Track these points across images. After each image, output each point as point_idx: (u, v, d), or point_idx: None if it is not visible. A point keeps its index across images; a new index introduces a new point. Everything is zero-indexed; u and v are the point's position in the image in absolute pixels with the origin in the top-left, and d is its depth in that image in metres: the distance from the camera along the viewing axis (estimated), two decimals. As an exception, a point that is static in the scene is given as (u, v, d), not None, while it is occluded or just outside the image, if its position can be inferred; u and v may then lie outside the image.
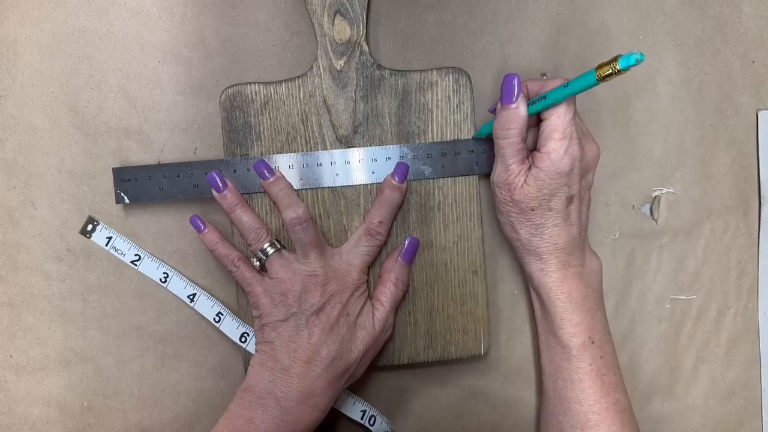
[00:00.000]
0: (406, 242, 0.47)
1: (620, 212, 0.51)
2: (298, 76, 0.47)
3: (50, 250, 0.49)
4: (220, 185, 0.46)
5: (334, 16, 0.46)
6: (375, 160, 0.47)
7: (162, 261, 0.49)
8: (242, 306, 0.48)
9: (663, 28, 0.50)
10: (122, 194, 0.47)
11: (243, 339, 0.48)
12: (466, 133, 0.48)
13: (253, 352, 0.47)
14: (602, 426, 0.43)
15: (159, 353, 0.50)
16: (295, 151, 0.47)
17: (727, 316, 0.52)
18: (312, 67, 0.47)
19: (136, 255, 0.49)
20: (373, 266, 0.48)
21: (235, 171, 0.46)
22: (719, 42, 0.51)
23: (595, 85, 0.38)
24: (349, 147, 0.47)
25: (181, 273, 0.49)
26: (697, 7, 0.51)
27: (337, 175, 0.47)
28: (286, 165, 0.47)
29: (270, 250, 0.45)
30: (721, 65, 0.51)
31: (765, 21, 0.51)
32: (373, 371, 0.50)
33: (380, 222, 0.46)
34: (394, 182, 0.46)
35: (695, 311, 0.52)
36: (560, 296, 0.44)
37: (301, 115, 0.47)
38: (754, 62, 0.51)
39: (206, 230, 0.46)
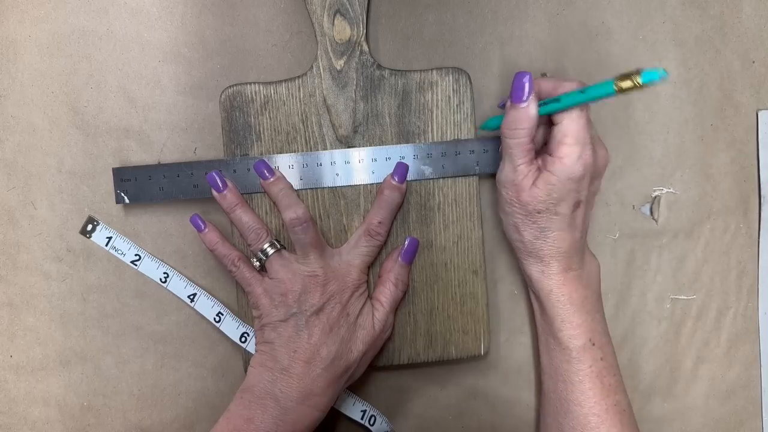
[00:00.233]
0: (406, 242, 0.47)
1: (620, 212, 0.51)
2: (298, 76, 0.47)
3: (50, 250, 0.49)
4: (220, 185, 0.46)
5: (334, 16, 0.46)
6: (375, 160, 0.47)
7: (162, 261, 0.49)
8: (242, 306, 0.48)
9: (663, 28, 0.50)
10: (122, 194, 0.47)
11: (243, 339, 0.48)
12: (466, 133, 0.48)
13: (253, 352, 0.47)
14: (602, 428, 0.43)
15: (159, 353, 0.50)
16: (295, 151, 0.47)
17: (727, 316, 0.52)
18: (312, 67, 0.47)
19: (136, 255, 0.49)
20: (373, 266, 0.48)
21: (235, 171, 0.46)
22: (719, 42, 0.51)
23: (612, 95, 0.38)
24: (349, 147, 0.47)
25: (181, 273, 0.49)
26: (697, 7, 0.51)
27: (337, 175, 0.47)
28: (286, 165, 0.47)
29: (270, 251, 0.45)
30: (721, 65, 0.51)
31: (765, 21, 0.51)
32: (373, 371, 0.50)
33: (380, 222, 0.46)
34: (393, 182, 0.46)
35: (695, 311, 0.52)
36: (561, 298, 0.44)
37: (301, 115, 0.47)
38: (754, 62, 0.51)
39: (206, 230, 0.46)
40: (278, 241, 0.45)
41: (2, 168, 0.49)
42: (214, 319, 0.48)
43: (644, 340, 0.52)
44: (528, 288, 0.48)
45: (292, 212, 0.44)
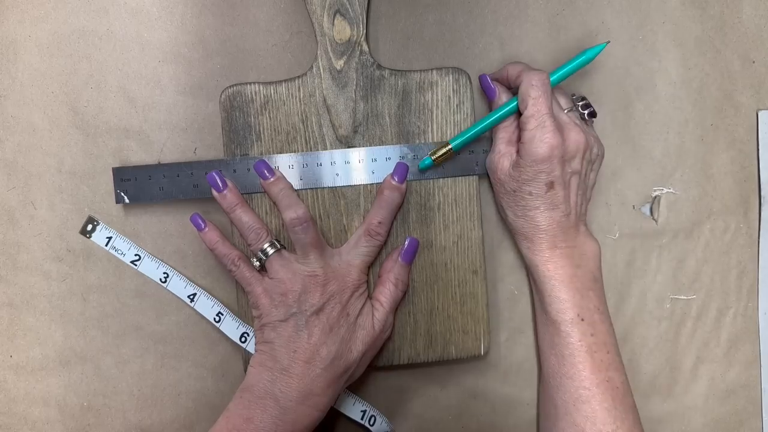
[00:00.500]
0: (406, 243, 0.47)
1: (620, 212, 0.51)
2: (298, 76, 0.47)
3: (50, 250, 0.49)
4: (220, 185, 0.46)
5: (334, 16, 0.46)
6: (375, 160, 0.47)
7: (162, 261, 0.49)
8: (242, 306, 0.48)
9: (663, 28, 0.50)
10: (122, 194, 0.47)
11: (243, 339, 0.48)
12: (466, 133, 0.48)
13: (253, 352, 0.47)
14: (593, 401, 0.44)
15: (159, 353, 0.50)
16: (295, 151, 0.47)
17: (727, 316, 0.52)
18: (312, 67, 0.47)
19: (136, 255, 0.49)
20: (373, 266, 0.48)
21: (235, 171, 0.46)
22: (719, 42, 0.51)
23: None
24: (349, 147, 0.47)
25: (181, 273, 0.49)
26: (697, 7, 0.51)
27: (337, 175, 0.47)
28: (286, 165, 0.47)
29: (270, 250, 0.45)
30: (721, 65, 0.51)
31: (765, 21, 0.51)
32: (373, 371, 0.50)
33: (380, 222, 0.46)
34: (393, 183, 0.46)
35: (695, 311, 0.52)
36: (546, 274, 0.46)
37: (301, 115, 0.47)
38: (754, 62, 0.51)
39: (206, 229, 0.46)
40: (278, 241, 0.45)
41: (2, 168, 0.49)
42: (214, 319, 0.48)
43: (644, 340, 0.52)
44: (528, 277, 0.49)
45: (293, 212, 0.44)
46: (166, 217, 0.49)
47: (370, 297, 0.47)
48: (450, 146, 0.46)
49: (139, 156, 0.49)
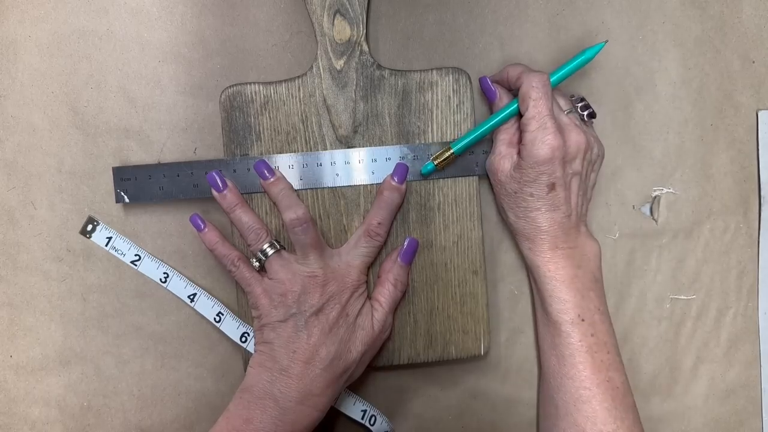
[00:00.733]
0: (405, 243, 0.47)
1: (620, 212, 0.51)
2: (298, 76, 0.47)
3: (50, 250, 0.49)
4: (220, 185, 0.46)
5: (334, 16, 0.46)
6: (375, 160, 0.47)
7: (162, 261, 0.49)
8: (242, 306, 0.48)
9: (663, 28, 0.50)
10: (122, 193, 0.47)
11: (243, 339, 0.48)
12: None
13: (253, 352, 0.47)
14: (594, 401, 0.44)
15: (159, 353, 0.50)
16: (295, 151, 0.47)
17: (727, 316, 0.52)
18: (312, 67, 0.47)
19: (136, 255, 0.49)
20: (372, 267, 0.48)
21: (235, 171, 0.46)
22: (719, 42, 0.51)
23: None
24: (349, 147, 0.47)
25: (181, 273, 0.49)
26: (697, 7, 0.51)
27: (337, 175, 0.47)
28: (286, 165, 0.47)
29: (270, 251, 0.45)
30: (721, 65, 0.51)
31: (765, 21, 0.51)
32: (373, 371, 0.50)
33: (379, 223, 0.46)
34: (393, 183, 0.46)
35: (695, 311, 0.52)
36: (548, 274, 0.46)
37: (301, 115, 0.47)
38: (754, 62, 0.51)
39: (206, 229, 0.46)
40: (278, 242, 0.45)
41: (2, 168, 0.49)
42: (214, 319, 0.48)
43: (644, 340, 0.52)
44: (528, 276, 0.49)
45: (293, 213, 0.44)
46: (166, 217, 0.49)
47: (369, 297, 0.47)
48: (452, 150, 0.46)
49: (139, 156, 0.49)
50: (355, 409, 0.49)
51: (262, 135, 0.47)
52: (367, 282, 0.47)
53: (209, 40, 0.48)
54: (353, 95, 0.47)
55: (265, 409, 0.42)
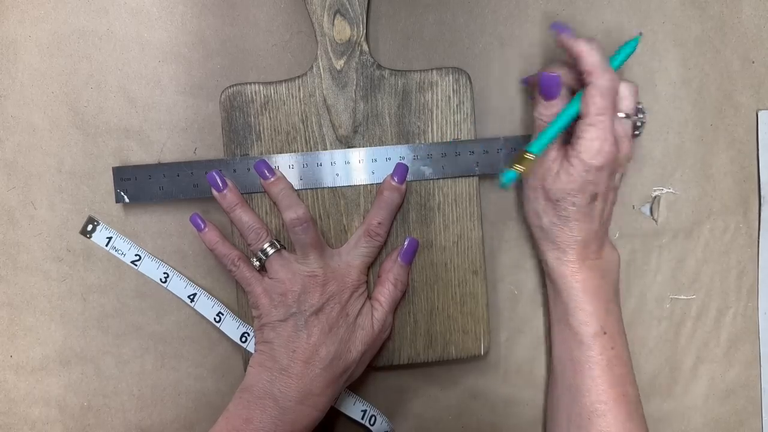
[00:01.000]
0: (406, 243, 0.47)
1: (620, 212, 0.51)
2: (298, 76, 0.47)
3: (50, 250, 0.49)
4: (220, 185, 0.46)
5: (334, 16, 0.46)
6: (375, 160, 0.47)
7: (162, 261, 0.49)
8: (242, 306, 0.48)
9: (663, 28, 0.50)
10: (122, 193, 0.47)
11: (243, 339, 0.48)
12: (466, 133, 0.48)
13: (253, 351, 0.47)
14: (609, 416, 0.43)
15: (159, 353, 0.50)
16: (295, 151, 0.47)
17: (727, 316, 0.52)
18: (312, 67, 0.47)
19: (136, 255, 0.49)
20: (372, 266, 0.48)
21: (235, 171, 0.46)
22: (719, 42, 0.51)
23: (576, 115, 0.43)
24: (349, 147, 0.47)
25: (181, 273, 0.49)
26: (697, 7, 0.51)
27: (337, 175, 0.47)
28: (286, 165, 0.47)
29: (270, 250, 0.45)
30: (721, 65, 0.51)
31: (765, 21, 0.51)
32: (373, 371, 0.50)
33: (379, 223, 0.46)
34: (393, 183, 0.46)
35: (695, 311, 0.52)
36: (575, 285, 0.45)
37: (301, 115, 0.47)
38: (754, 62, 0.51)
39: (206, 229, 0.46)
40: (278, 241, 0.45)
41: (2, 168, 0.49)
42: (214, 319, 0.48)
43: (644, 340, 0.52)
44: (544, 276, 0.49)
45: (293, 212, 0.44)
46: (166, 217, 0.49)
47: (369, 297, 0.47)
48: (532, 154, 0.43)
49: (139, 156, 0.49)
50: (355, 409, 0.49)
51: (262, 135, 0.47)
52: (367, 282, 0.47)
53: (209, 40, 0.48)
54: (353, 95, 0.47)
55: (265, 409, 0.42)
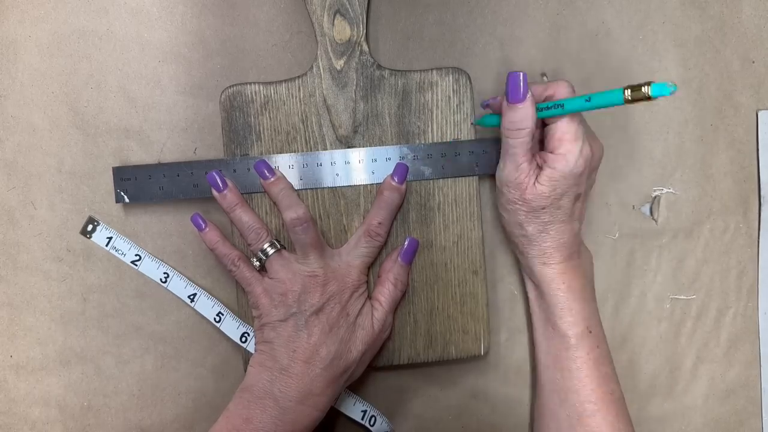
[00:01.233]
0: (406, 243, 0.47)
1: (620, 212, 0.51)
2: (298, 76, 0.47)
3: (50, 250, 0.49)
4: (220, 185, 0.46)
5: (334, 16, 0.46)
6: (375, 160, 0.47)
7: (162, 261, 0.49)
8: (242, 306, 0.48)
9: (663, 28, 0.50)
10: (122, 193, 0.47)
11: (243, 339, 0.48)
12: (466, 133, 0.48)
13: (253, 351, 0.47)
14: (598, 415, 0.44)
15: (159, 353, 0.50)
16: (295, 151, 0.47)
17: (727, 316, 0.52)
18: (312, 67, 0.47)
19: (136, 255, 0.49)
20: (372, 266, 0.48)
21: (235, 171, 0.46)
22: (719, 42, 0.51)
23: (620, 104, 0.39)
24: (349, 147, 0.47)
25: (181, 273, 0.49)
26: (697, 7, 0.51)
27: (337, 175, 0.47)
28: (286, 165, 0.47)
29: (270, 251, 0.45)
30: (721, 65, 0.51)
31: (765, 21, 0.51)
32: (373, 371, 0.50)
33: (380, 223, 0.46)
34: (393, 183, 0.46)
35: (695, 311, 0.52)
36: (561, 286, 0.45)
37: (301, 115, 0.47)
38: (754, 62, 0.51)
39: (207, 229, 0.46)
40: (278, 241, 0.45)
41: (2, 168, 0.49)
42: (214, 319, 0.48)
43: (644, 340, 0.52)
44: (525, 282, 0.48)
45: (293, 212, 0.44)
46: (166, 217, 0.49)
47: (369, 297, 0.47)
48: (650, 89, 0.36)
49: (139, 156, 0.49)
50: (355, 409, 0.49)
51: (262, 135, 0.47)
52: (367, 282, 0.47)
53: (209, 40, 0.48)
54: (353, 95, 0.47)
55: (265, 409, 0.42)
